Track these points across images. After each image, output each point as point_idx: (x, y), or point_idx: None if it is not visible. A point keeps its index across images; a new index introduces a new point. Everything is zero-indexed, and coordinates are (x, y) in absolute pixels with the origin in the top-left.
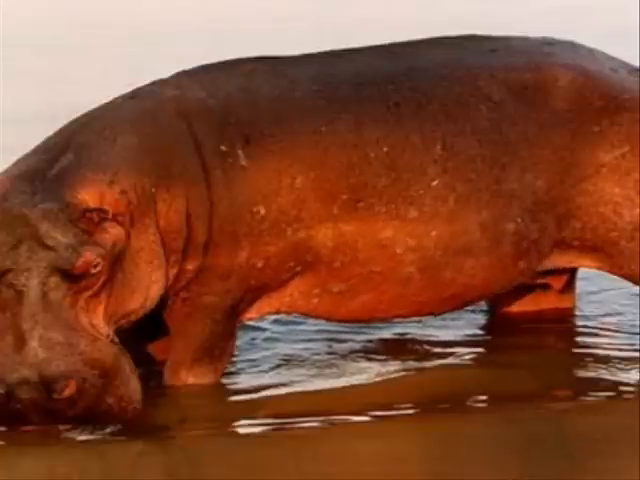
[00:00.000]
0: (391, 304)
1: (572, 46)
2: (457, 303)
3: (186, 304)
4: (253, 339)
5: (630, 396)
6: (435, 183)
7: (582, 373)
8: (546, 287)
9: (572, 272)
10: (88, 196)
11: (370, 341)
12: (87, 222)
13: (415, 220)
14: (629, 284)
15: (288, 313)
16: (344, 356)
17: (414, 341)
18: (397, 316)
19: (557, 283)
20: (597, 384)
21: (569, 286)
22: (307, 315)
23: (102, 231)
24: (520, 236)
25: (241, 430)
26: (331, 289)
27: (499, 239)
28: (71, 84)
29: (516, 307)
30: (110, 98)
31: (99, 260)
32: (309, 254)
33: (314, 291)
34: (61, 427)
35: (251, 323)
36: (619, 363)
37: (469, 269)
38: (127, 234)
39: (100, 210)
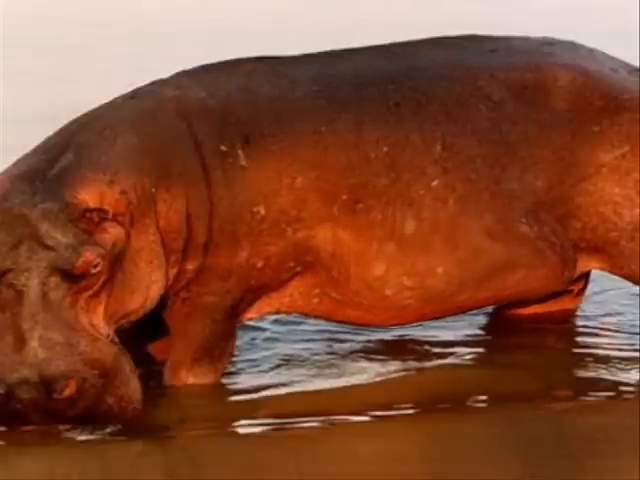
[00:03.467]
0: (389, 318)
1: (572, 46)
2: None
3: (186, 304)
4: (253, 339)
5: (630, 396)
6: (435, 183)
7: (582, 373)
8: (568, 292)
9: (587, 274)
10: (88, 196)
11: (370, 341)
12: (87, 222)
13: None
14: (629, 284)
15: (288, 313)
16: (344, 356)
17: (414, 341)
18: (394, 325)
19: (576, 286)
20: (597, 384)
21: (584, 287)
22: (307, 315)
23: (102, 231)
24: (548, 242)
25: (241, 430)
26: (330, 294)
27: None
28: (71, 84)
29: (516, 307)
30: (110, 98)
31: (99, 260)
32: (309, 254)
33: (314, 291)
34: (61, 427)
35: (251, 323)
36: (619, 363)
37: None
38: (127, 234)
39: (100, 210)
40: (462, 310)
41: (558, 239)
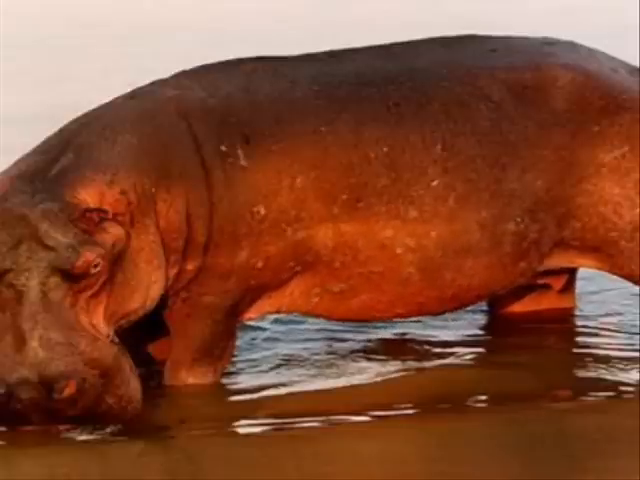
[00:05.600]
0: (390, 304)
1: (572, 46)
2: (457, 303)
3: (186, 304)
4: (253, 339)
5: (630, 396)
6: (435, 183)
7: (582, 373)
8: (546, 287)
9: (572, 272)
10: (88, 196)
11: (370, 341)
12: (87, 222)
13: (415, 220)
14: (629, 284)
15: (288, 313)
16: (344, 356)
17: (414, 341)
18: (396, 316)
19: (557, 283)
20: (597, 384)
21: (569, 286)
22: (307, 314)
23: (102, 231)
24: (520, 236)
25: (241, 430)
26: (331, 288)
27: (499, 239)
28: (71, 84)
29: (516, 307)
30: (110, 98)
31: (99, 260)
32: (309, 254)
33: (314, 291)
34: (61, 427)
35: (251, 323)
36: (619, 363)
37: (469, 269)
38: (127, 234)
39: (100, 210)
40: (443, 299)
41: (538, 235)
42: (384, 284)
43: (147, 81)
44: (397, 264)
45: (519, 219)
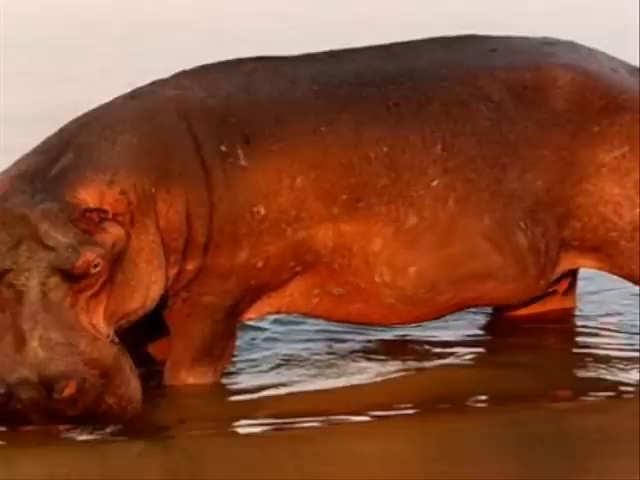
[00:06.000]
0: (384, 316)
1: (572, 46)
2: (455, 310)
3: (186, 304)
4: (253, 339)
5: (630, 396)
6: (435, 183)
7: (582, 373)
8: (551, 293)
9: (574, 273)
10: (88, 196)
11: (370, 341)
12: (87, 222)
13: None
14: (629, 284)
15: (288, 313)
16: (344, 356)
17: (414, 341)
18: (394, 324)
19: (561, 287)
20: (597, 384)
21: (570, 287)
22: (307, 315)
23: (102, 231)
24: (536, 252)
25: (241, 430)
26: (330, 291)
27: (523, 263)
28: (71, 84)
29: (519, 310)
30: (110, 98)
31: (99, 260)
32: (309, 254)
33: (314, 291)
34: (61, 427)
35: (251, 323)
36: (619, 363)
37: (485, 291)
38: (127, 234)
39: (100, 210)
40: (441, 312)
41: (546, 243)
42: (370, 301)
43: (147, 81)
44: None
45: (522, 223)
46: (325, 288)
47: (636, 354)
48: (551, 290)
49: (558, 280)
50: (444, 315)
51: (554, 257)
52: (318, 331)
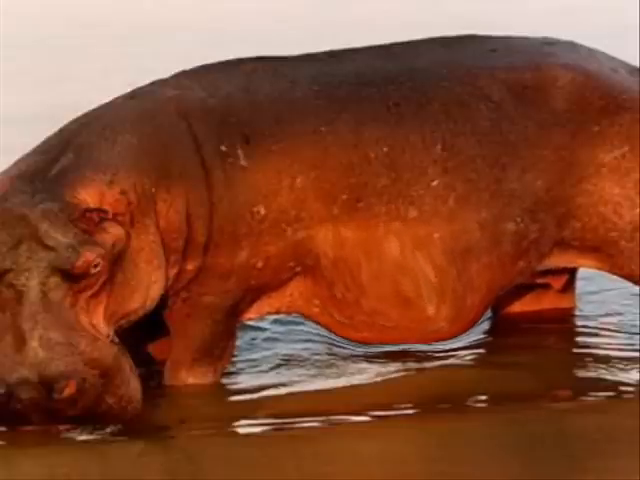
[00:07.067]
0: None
1: (572, 46)
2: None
3: (186, 304)
4: (253, 339)
5: (630, 396)
6: (435, 183)
7: (582, 373)
8: (546, 287)
9: (572, 272)
10: (88, 196)
11: None
12: (87, 222)
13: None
14: (629, 284)
15: (288, 313)
16: (344, 356)
17: None
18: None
19: (557, 283)
20: (597, 384)
21: (569, 286)
22: (307, 317)
23: (102, 231)
24: (520, 236)
25: (241, 430)
26: (332, 313)
27: (499, 239)
28: (71, 84)
29: (516, 307)
30: (110, 98)
31: (99, 260)
32: (309, 256)
33: (314, 301)
34: (61, 427)
35: (251, 323)
36: (619, 363)
37: (473, 272)
38: (127, 234)
39: (100, 210)
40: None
41: (538, 235)
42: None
43: (147, 81)
44: None
45: (519, 219)
46: (328, 309)
47: (636, 354)
48: (543, 283)
49: (553, 275)
50: None
51: (543, 248)
52: (318, 332)
